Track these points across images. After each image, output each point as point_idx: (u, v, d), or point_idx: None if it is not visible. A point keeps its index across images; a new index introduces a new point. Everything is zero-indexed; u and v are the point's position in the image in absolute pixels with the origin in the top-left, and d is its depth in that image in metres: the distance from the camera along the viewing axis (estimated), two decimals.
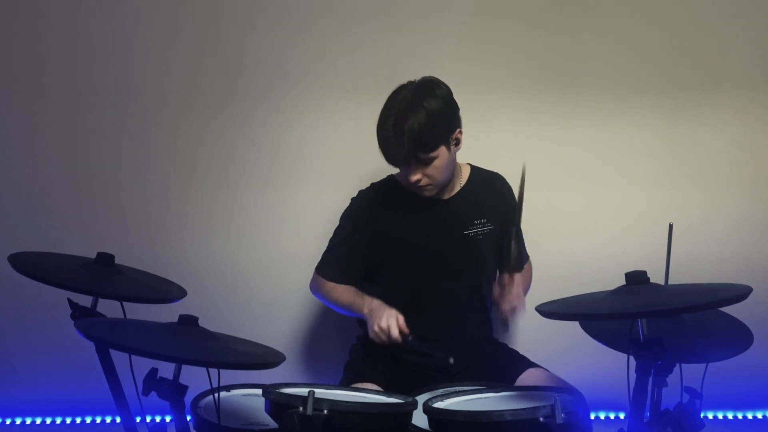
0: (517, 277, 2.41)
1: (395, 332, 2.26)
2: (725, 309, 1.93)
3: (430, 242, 2.46)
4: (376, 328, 2.28)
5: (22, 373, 2.95)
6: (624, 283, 1.83)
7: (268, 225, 2.94)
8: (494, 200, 2.54)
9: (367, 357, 2.49)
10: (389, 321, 2.27)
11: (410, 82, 2.35)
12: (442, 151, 2.32)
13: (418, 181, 2.35)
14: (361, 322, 2.58)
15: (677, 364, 1.85)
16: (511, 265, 2.38)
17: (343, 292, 2.47)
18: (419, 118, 2.26)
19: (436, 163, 2.32)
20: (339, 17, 2.90)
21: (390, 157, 2.32)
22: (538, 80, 2.93)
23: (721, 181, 2.97)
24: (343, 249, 2.50)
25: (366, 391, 2.12)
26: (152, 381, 1.74)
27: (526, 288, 2.60)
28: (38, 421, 2.98)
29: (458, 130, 2.37)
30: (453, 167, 2.43)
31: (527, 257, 2.68)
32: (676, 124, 2.95)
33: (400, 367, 2.43)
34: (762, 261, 2.94)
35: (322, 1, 2.90)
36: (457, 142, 2.39)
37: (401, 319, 2.29)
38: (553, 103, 2.93)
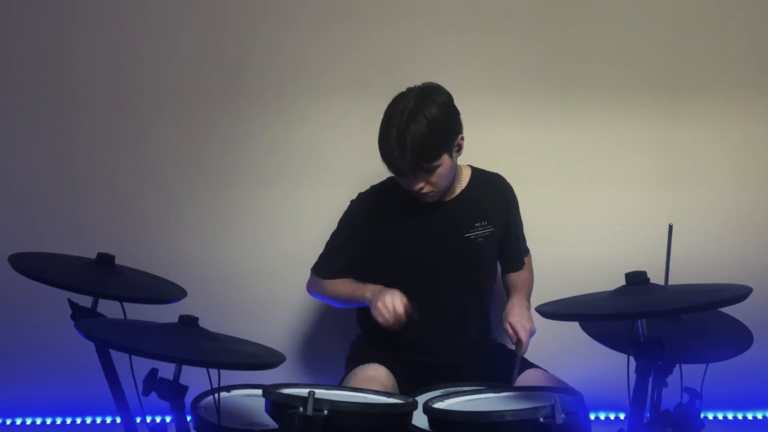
0: (516, 303, 2.40)
1: (400, 308, 2.26)
2: (725, 309, 1.93)
3: (430, 244, 2.45)
4: (379, 305, 2.27)
5: (22, 374, 2.96)
6: (624, 283, 1.83)
7: (268, 226, 2.94)
8: (495, 201, 2.54)
9: (368, 348, 2.49)
10: (393, 299, 2.27)
11: (409, 90, 2.33)
12: (445, 158, 2.31)
13: (421, 189, 2.34)
14: (361, 321, 2.59)
15: (677, 365, 1.85)
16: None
17: (342, 283, 2.47)
18: (421, 128, 2.24)
19: (439, 170, 2.31)
20: (340, 19, 2.90)
21: (394, 168, 2.31)
22: (538, 81, 2.93)
23: (721, 181, 2.97)
24: (341, 251, 2.50)
25: (366, 391, 2.12)
26: (152, 381, 1.74)
27: (530, 285, 2.62)
28: (38, 421, 2.98)
29: (460, 136, 2.36)
30: (455, 172, 2.43)
31: (527, 251, 2.69)
32: (676, 125, 2.95)
33: (400, 362, 2.43)
34: (762, 261, 2.94)
35: (324, 3, 2.90)
36: (459, 148, 2.38)
37: (404, 297, 2.29)
38: (553, 104, 2.93)
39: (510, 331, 2.33)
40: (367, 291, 2.37)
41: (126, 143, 2.93)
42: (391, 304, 2.27)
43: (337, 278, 2.48)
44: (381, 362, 2.35)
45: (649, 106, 2.94)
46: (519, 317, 2.34)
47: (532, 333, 2.34)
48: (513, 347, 2.35)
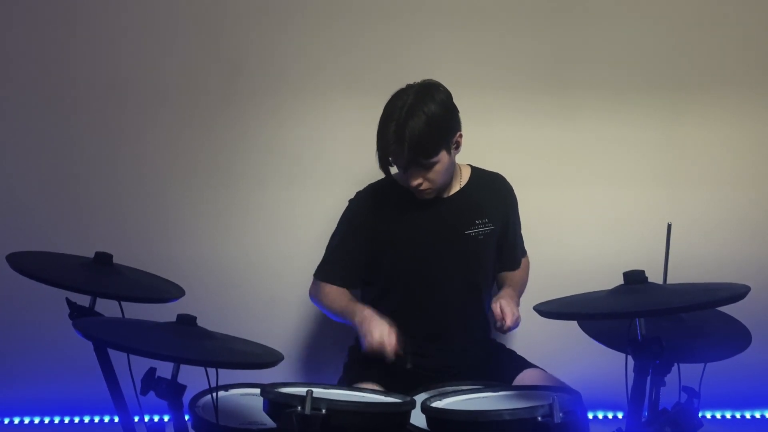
0: (507, 294, 2.41)
1: (390, 353, 2.24)
2: (723, 308, 1.93)
3: (430, 241, 2.45)
4: (367, 340, 2.26)
5: (20, 373, 2.95)
6: (622, 282, 1.83)
7: (266, 225, 2.94)
8: (495, 200, 2.54)
9: (365, 358, 2.49)
10: (383, 339, 2.25)
11: (409, 87, 2.34)
12: (443, 155, 2.32)
13: (419, 185, 2.34)
14: None
15: (675, 364, 1.85)
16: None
17: (336, 298, 2.46)
18: (420, 124, 2.25)
19: (437, 167, 2.32)
20: (338, 18, 2.89)
21: (389, 163, 2.31)
22: (537, 80, 2.93)
23: (720, 180, 2.97)
24: (342, 251, 2.50)
25: (364, 390, 2.12)
26: (150, 380, 1.74)
27: (523, 285, 2.61)
28: (36, 420, 2.98)
29: (458, 133, 2.37)
30: (452, 170, 2.43)
31: (525, 253, 2.69)
32: (675, 124, 2.95)
33: (399, 368, 2.42)
34: (760, 260, 2.94)
35: (321, 2, 2.90)
36: (457, 146, 2.38)
37: (394, 337, 2.27)
38: (552, 103, 2.93)
39: (498, 311, 2.32)
40: (356, 314, 2.35)
41: (124, 142, 2.92)
42: (380, 340, 2.24)
43: (339, 279, 2.48)
44: (377, 376, 2.34)
45: (648, 106, 2.94)
46: (509, 303, 2.34)
47: (517, 322, 2.33)
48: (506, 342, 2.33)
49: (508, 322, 2.30)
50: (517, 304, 2.41)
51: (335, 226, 2.55)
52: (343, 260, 2.49)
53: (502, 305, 2.33)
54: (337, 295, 2.47)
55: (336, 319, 2.48)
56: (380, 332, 2.26)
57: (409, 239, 2.45)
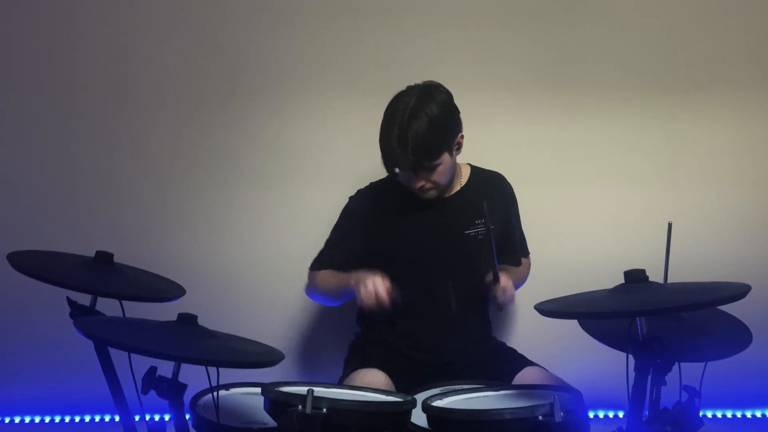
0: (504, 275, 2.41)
1: (381, 291, 2.24)
2: (724, 307, 1.93)
3: (429, 241, 2.46)
4: (361, 289, 2.27)
5: (21, 372, 2.95)
6: (623, 281, 1.83)
7: (266, 224, 2.94)
8: (494, 199, 2.54)
9: (367, 349, 2.49)
10: (375, 281, 2.25)
11: (410, 88, 2.34)
12: (446, 157, 2.32)
13: (422, 187, 2.35)
14: (360, 320, 2.59)
15: (676, 363, 1.85)
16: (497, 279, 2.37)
17: (330, 278, 2.46)
18: (423, 127, 2.25)
19: (440, 169, 2.33)
20: (339, 17, 2.90)
21: (393, 166, 2.31)
22: (537, 80, 2.93)
23: (720, 179, 2.97)
24: (339, 246, 2.50)
25: (365, 389, 2.12)
26: (151, 379, 1.74)
27: (520, 279, 2.61)
28: (37, 419, 2.98)
29: (460, 134, 2.37)
30: (454, 170, 2.44)
31: (527, 253, 2.69)
32: (675, 123, 2.95)
33: (399, 360, 2.43)
34: (761, 260, 2.94)
35: (322, 2, 2.90)
36: (459, 147, 2.39)
37: (387, 280, 2.27)
38: (552, 103, 2.93)
39: (492, 277, 2.35)
40: (351, 278, 2.35)
41: (125, 141, 2.92)
42: (373, 288, 2.25)
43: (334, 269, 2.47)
44: (379, 366, 2.34)
45: (648, 105, 2.94)
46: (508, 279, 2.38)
47: (512, 296, 2.38)
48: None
49: (505, 282, 2.34)
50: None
51: None
52: (340, 254, 2.49)
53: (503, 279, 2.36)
54: (330, 274, 2.46)
55: (335, 301, 2.49)
56: (372, 281, 2.26)
57: (408, 239, 2.46)
